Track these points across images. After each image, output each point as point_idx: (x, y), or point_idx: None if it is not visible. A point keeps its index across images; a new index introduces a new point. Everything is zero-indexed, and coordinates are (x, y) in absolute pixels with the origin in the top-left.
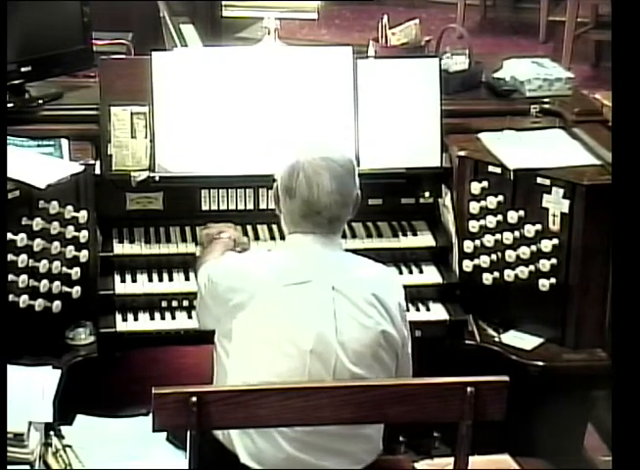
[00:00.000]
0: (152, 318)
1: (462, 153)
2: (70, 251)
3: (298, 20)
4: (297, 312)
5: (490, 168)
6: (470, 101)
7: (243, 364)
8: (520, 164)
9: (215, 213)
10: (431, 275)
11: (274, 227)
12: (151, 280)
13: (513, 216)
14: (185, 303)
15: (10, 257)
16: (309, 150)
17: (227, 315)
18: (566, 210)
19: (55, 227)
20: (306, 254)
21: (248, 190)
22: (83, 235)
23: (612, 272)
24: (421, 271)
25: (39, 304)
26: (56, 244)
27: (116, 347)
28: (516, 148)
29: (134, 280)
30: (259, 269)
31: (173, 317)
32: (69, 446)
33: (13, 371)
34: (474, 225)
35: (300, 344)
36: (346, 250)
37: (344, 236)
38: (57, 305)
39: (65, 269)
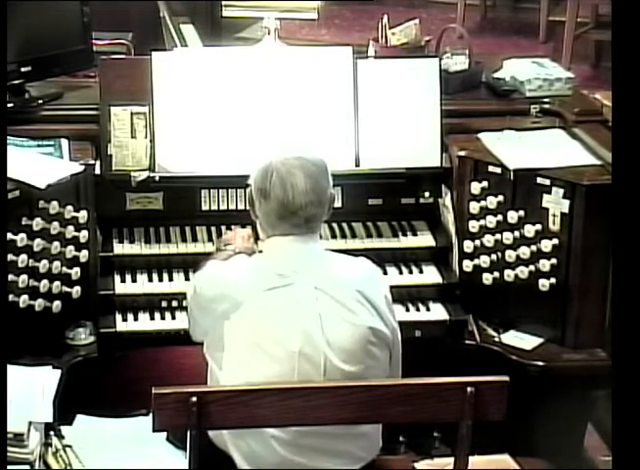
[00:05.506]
0: (152, 318)
1: (462, 153)
2: (70, 251)
3: (298, 20)
4: (281, 315)
5: (490, 168)
6: (470, 101)
7: (233, 372)
8: (520, 164)
9: (215, 213)
10: (431, 275)
11: None
12: (151, 280)
13: (513, 216)
14: (185, 303)
15: (10, 257)
16: (282, 150)
17: (214, 325)
18: (566, 210)
19: (55, 227)
20: (286, 256)
21: (248, 190)
22: (83, 235)
23: (612, 272)
24: (421, 271)
25: (39, 304)
26: (56, 244)
27: (116, 347)
28: (516, 148)
29: (134, 280)
30: (241, 276)
31: (173, 317)
32: (69, 446)
33: (13, 371)
34: (474, 225)
35: (288, 346)
36: (347, 250)
37: (344, 236)
38: (57, 305)
39: (65, 269)
